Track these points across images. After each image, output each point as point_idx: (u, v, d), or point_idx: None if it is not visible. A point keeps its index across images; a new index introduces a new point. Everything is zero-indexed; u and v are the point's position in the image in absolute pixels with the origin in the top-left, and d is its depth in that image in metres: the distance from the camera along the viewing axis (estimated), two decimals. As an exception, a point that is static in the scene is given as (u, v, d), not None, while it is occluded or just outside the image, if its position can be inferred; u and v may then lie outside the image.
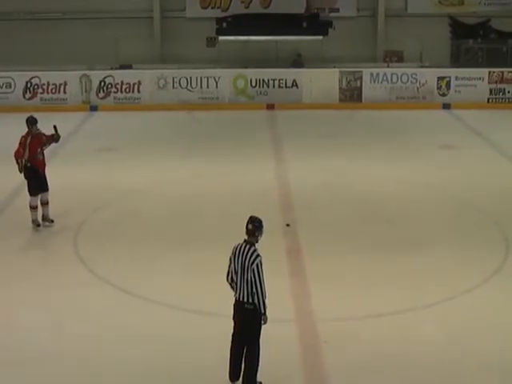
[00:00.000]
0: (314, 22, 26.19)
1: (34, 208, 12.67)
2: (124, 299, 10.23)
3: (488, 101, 23.91)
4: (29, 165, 12.54)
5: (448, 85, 23.87)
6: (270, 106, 23.55)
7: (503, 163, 17.33)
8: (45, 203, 12.77)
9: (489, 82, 23.96)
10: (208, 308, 9.66)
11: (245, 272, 7.72)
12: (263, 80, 23.86)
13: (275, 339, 8.50)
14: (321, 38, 25.74)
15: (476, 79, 23.99)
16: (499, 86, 24.00)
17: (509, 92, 23.98)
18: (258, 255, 7.75)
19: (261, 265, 7.73)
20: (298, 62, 25.80)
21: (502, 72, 24.10)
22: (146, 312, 9.84)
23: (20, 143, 12.61)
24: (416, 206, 14.30)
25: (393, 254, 11.70)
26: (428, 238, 12.45)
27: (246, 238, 7.87)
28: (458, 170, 16.66)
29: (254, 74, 24.01)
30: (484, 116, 22.60)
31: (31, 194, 12.69)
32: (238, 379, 7.95)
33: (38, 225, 12.73)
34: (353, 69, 24.09)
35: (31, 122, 12.73)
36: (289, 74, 24.13)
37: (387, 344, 8.96)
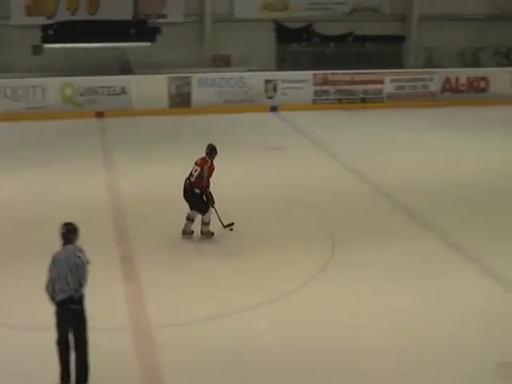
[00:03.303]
0: (142, 28, 26.17)
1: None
2: None
3: (313, 102, 24.75)
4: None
5: (275, 88, 24.50)
6: (99, 114, 23.25)
7: (330, 162, 17.96)
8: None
9: (313, 84, 24.81)
10: (36, 322, 9.38)
11: (68, 273, 7.72)
12: (91, 88, 23.55)
13: (110, 347, 8.53)
14: (149, 44, 25.75)
15: (301, 82, 24.79)
16: (323, 87, 24.91)
17: (332, 93, 24.98)
18: (78, 256, 7.79)
19: (83, 264, 7.78)
20: (126, 68, 25.61)
21: (326, 74, 25.02)
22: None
23: (208, 173, 12.34)
24: (247, 206, 14.52)
25: (223, 256, 11.89)
26: (260, 238, 12.71)
27: (62, 242, 7.92)
28: (287, 170, 17.15)
29: (81, 81, 23.65)
30: (310, 117, 23.35)
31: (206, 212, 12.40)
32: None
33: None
34: (182, 74, 24.25)
35: (217, 152, 12.56)
36: (117, 80, 23.93)
37: (223, 345, 9.08)
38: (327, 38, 27.70)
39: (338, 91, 25.07)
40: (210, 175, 12.40)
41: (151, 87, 23.80)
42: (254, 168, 17.39)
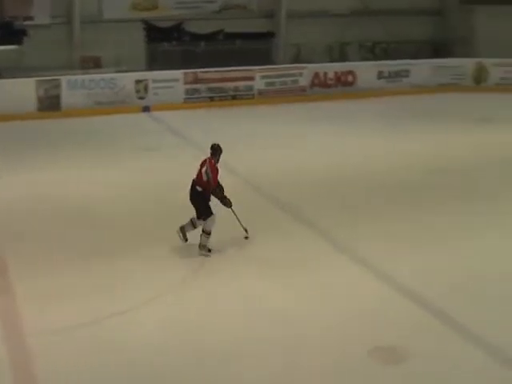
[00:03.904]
0: (8, 31, 25.58)
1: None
2: None
3: (184, 101, 24.86)
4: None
5: (146, 88, 24.44)
6: (-34, 121, 22.50)
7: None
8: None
9: (184, 83, 24.91)
10: None
11: None
12: (-44, 95, 22.80)
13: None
14: (16, 47, 25.20)
15: (172, 81, 24.86)
16: (194, 86, 25.04)
17: (204, 91, 25.15)
18: None
19: None
20: (-8, 72, 25.04)
21: (196, 73, 25.18)
22: None
23: (214, 171, 11.92)
24: (121, 206, 14.55)
25: (98, 259, 11.82)
26: (133, 238, 12.75)
27: None
28: (161, 170, 17.16)
29: None
30: (182, 116, 23.48)
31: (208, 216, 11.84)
32: None
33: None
34: (51, 77, 23.82)
35: (221, 151, 12.09)
36: (-17, 85, 23.26)
37: (99, 350, 9.07)
38: (197, 37, 27.87)
39: (210, 89, 25.29)
40: (215, 173, 12.03)
41: (18, 91, 23.23)
42: (127, 169, 17.33)
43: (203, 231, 11.95)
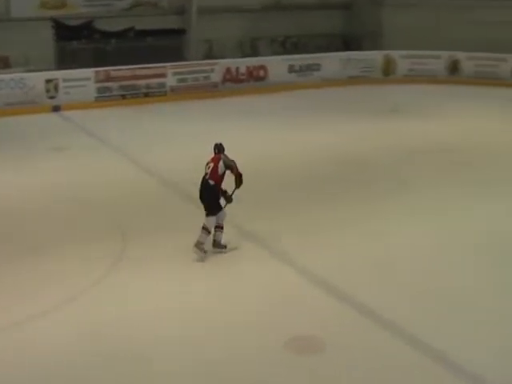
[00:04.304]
0: None
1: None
2: None
3: (96, 100, 24.61)
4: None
5: (56, 87, 24.08)
6: None
7: (116, 159, 18.01)
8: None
9: (96, 82, 24.66)
10: None
11: None
12: None
13: None
14: None
15: (83, 80, 24.53)
16: (106, 84, 24.80)
17: (116, 89, 24.93)
18: None
19: None
20: None
21: (108, 71, 24.95)
22: None
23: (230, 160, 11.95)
24: (35, 207, 14.37)
25: (15, 263, 11.64)
26: (51, 241, 12.60)
27: None
28: (73, 171, 17.03)
29: None
30: (94, 115, 23.15)
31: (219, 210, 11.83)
32: None
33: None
34: (-44, 78, 23.27)
35: (224, 149, 12.09)
36: None
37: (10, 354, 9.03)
38: (108, 34, 27.67)
39: (122, 87, 25.07)
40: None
41: None
42: (38, 169, 17.17)
43: (217, 227, 11.95)
